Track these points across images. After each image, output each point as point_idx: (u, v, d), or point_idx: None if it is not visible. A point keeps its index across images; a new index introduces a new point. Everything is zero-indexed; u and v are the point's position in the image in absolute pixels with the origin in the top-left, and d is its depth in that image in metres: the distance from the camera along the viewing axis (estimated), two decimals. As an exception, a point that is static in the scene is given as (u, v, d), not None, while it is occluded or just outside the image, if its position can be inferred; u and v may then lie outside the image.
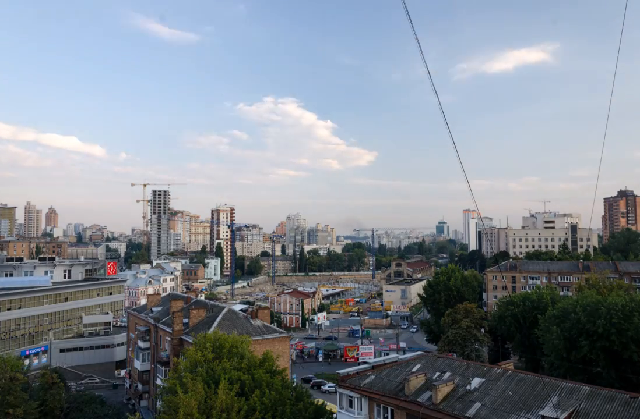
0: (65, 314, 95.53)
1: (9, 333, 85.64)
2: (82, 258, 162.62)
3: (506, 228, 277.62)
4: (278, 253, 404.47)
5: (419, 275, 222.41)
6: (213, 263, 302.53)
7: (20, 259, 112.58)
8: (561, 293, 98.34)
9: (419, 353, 49.75)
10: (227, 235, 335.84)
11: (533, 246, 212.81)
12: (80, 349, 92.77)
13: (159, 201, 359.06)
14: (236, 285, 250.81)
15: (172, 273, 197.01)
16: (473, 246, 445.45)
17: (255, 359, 41.65)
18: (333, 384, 66.99)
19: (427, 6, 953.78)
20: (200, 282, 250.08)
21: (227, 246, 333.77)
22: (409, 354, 50.20)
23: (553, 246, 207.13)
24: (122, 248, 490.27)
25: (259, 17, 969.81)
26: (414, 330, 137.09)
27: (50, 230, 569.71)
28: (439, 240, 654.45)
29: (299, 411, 36.46)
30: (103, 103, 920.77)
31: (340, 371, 41.14)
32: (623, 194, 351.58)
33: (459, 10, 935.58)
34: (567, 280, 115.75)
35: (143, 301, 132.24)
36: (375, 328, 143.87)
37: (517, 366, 52.90)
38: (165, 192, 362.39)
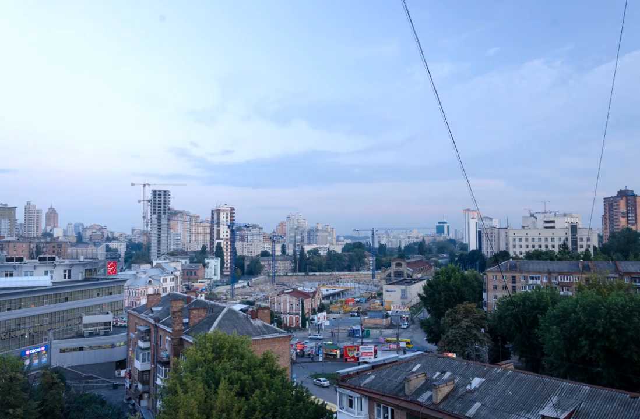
0: (65, 314, 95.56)
1: (9, 333, 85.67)
2: (82, 258, 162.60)
3: (506, 228, 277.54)
4: (278, 253, 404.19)
5: (419, 275, 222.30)
6: (213, 263, 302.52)
7: (20, 259, 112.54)
8: (561, 293, 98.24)
9: (419, 353, 49.73)
10: (227, 235, 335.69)
11: (533, 246, 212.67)
12: (80, 349, 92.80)
13: (159, 201, 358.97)
14: (236, 285, 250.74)
15: (172, 273, 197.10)
16: (473, 246, 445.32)
17: (256, 359, 41.63)
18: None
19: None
20: (200, 282, 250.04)
21: (227, 246, 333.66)
22: (409, 354, 50.18)
23: (553, 246, 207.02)
24: (122, 248, 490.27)
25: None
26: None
27: (50, 230, 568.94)
28: (439, 240, 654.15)
29: (299, 411, 36.41)
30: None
31: (340, 371, 41.13)
32: (623, 194, 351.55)
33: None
34: (567, 279, 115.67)
35: (143, 301, 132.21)
36: (376, 328, 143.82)
37: (517, 366, 52.84)
38: (165, 191, 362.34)
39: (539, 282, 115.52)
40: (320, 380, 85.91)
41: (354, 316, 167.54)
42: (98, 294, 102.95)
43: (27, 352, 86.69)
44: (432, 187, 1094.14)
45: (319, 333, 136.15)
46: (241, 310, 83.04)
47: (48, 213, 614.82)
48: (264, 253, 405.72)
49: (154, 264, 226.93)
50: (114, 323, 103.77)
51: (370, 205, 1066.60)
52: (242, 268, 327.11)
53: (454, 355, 67.38)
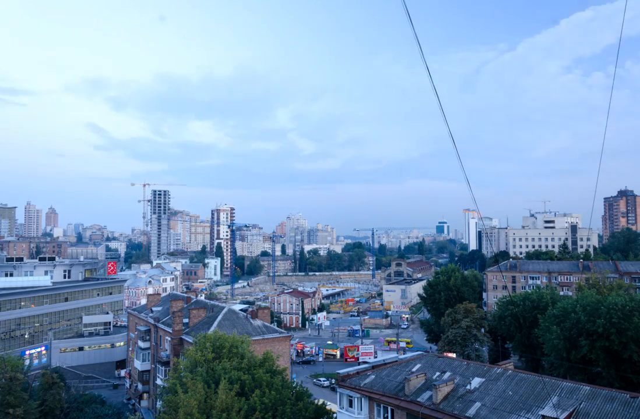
0: (65, 314, 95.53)
1: (9, 333, 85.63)
2: (82, 258, 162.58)
3: (506, 228, 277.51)
4: (278, 253, 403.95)
5: (419, 275, 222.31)
6: (213, 263, 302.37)
7: (20, 259, 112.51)
8: (561, 293, 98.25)
9: (419, 353, 49.75)
10: (227, 235, 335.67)
11: (533, 246, 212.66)
12: (80, 349, 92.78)
13: (159, 201, 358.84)
14: (236, 285, 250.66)
15: (172, 273, 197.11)
16: (473, 246, 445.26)
17: (256, 359, 41.63)
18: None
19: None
20: (200, 282, 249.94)
21: (227, 246, 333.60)
22: (409, 354, 50.20)
23: (553, 246, 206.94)
24: (122, 248, 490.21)
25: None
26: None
27: (50, 230, 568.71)
28: (439, 240, 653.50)
29: (299, 411, 36.41)
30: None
31: (340, 371, 41.14)
32: (623, 194, 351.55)
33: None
34: (567, 279, 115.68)
35: (143, 301, 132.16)
36: (376, 328, 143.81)
37: (517, 366, 52.86)
38: (165, 191, 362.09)
39: (539, 282, 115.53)
40: (320, 380, 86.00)
41: (354, 316, 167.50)
42: (98, 294, 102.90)
43: (27, 352, 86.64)
44: (432, 187, 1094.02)
45: (318, 333, 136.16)
46: (241, 310, 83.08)
47: (48, 213, 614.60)
48: (264, 253, 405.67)
49: (154, 264, 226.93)
50: (114, 323, 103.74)
51: (370, 204, 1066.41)
52: (242, 268, 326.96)
53: (454, 355, 67.39)
